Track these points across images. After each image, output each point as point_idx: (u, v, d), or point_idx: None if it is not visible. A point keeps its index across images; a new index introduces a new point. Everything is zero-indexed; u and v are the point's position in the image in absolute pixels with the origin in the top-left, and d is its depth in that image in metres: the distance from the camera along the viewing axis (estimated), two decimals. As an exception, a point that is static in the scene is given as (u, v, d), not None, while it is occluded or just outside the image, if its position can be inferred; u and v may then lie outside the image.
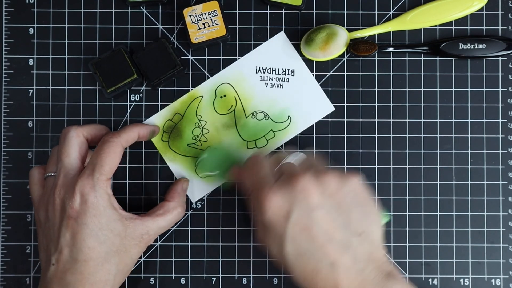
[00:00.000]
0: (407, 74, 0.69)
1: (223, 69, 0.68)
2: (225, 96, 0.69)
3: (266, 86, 0.68)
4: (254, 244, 0.68)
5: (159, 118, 0.68)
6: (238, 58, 0.68)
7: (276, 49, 0.69)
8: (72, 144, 0.61)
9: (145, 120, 0.68)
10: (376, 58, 0.69)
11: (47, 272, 0.59)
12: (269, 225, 0.55)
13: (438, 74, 0.68)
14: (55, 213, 0.59)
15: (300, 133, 0.68)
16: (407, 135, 0.68)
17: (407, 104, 0.68)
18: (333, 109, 0.68)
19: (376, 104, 0.69)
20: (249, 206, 0.63)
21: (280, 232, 0.55)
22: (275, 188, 0.55)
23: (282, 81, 0.68)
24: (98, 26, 0.69)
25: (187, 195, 0.68)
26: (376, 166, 0.68)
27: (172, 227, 0.68)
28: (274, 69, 0.68)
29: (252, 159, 0.61)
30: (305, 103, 0.68)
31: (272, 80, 0.68)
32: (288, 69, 0.68)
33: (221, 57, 0.68)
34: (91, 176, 0.59)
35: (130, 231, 0.60)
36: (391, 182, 0.68)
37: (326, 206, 0.55)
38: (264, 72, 0.68)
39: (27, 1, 0.69)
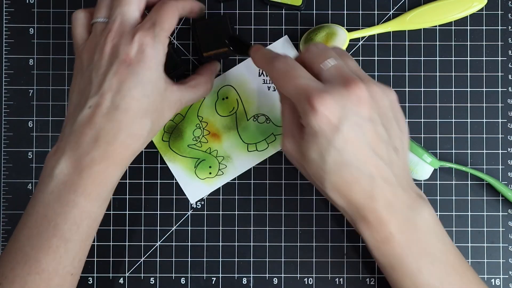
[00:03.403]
0: (407, 74, 0.69)
1: (222, 69, 0.68)
2: (227, 98, 0.68)
3: (269, 89, 0.68)
4: (254, 244, 0.68)
5: (159, 119, 0.68)
6: (237, 58, 0.68)
7: (280, 53, 0.68)
8: None
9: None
10: (376, 58, 0.69)
11: (79, 115, 0.56)
12: (316, 130, 0.52)
13: (438, 74, 0.69)
14: (103, 56, 0.56)
15: (300, 134, 0.68)
16: (407, 135, 0.68)
17: (407, 104, 0.68)
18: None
19: (376, 104, 0.69)
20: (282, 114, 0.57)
21: (327, 138, 0.52)
22: (328, 92, 0.52)
23: (284, 85, 0.68)
24: (98, 26, 0.69)
25: (186, 196, 0.68)
26: (376, 166, 0.68)
27: (172, 227, 0.68)
28: (276, 72, 0.68)
29: (282, 63, 0.56)
30: (306, 106, 0.68)
31: (274, 83, 0.68)
32: (291, 73, 0.68)
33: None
34: (152, 29, 0.56)
35: (168, 93, 0.58)
36: (391, 182, 0.68)
37: (374, 120, 0.53)
38: (266, 75, 0.68)
39: (27, 1, 0.69)
